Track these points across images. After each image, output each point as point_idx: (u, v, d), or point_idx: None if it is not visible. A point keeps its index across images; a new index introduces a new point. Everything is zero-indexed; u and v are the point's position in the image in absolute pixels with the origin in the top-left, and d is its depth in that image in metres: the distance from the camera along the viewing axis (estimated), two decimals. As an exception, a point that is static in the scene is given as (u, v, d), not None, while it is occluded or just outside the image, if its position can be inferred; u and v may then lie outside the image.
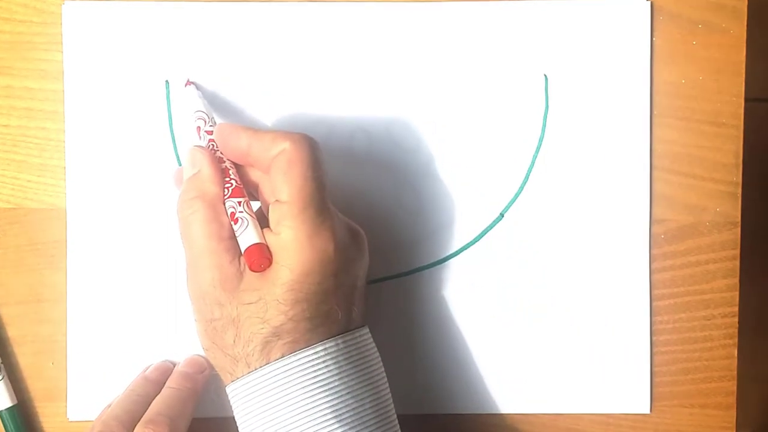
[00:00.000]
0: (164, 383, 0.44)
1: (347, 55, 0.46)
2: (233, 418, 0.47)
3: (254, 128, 0.40)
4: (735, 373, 0.48)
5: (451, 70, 0.46)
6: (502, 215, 0.47)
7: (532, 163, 0.47)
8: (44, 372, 0.47)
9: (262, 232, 0.39)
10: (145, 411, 0.42)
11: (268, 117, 0.46)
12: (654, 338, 0.47)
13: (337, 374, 0.37)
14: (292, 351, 0.37)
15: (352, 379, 0.38)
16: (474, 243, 0.47)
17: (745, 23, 0.47)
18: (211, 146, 0.42)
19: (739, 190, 0.47)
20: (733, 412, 0.48)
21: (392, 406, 0.40)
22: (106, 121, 0.46)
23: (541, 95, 0.47)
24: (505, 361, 0.47)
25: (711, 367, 0.47)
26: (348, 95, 0.47)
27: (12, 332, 0.47)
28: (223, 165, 0.41)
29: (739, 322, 0.47)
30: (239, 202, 0.39)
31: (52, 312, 0.46)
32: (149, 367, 0.46)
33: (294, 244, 0.37)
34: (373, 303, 0.47)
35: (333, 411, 0.37)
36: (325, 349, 0.37)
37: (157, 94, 0.46)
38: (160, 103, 0.46)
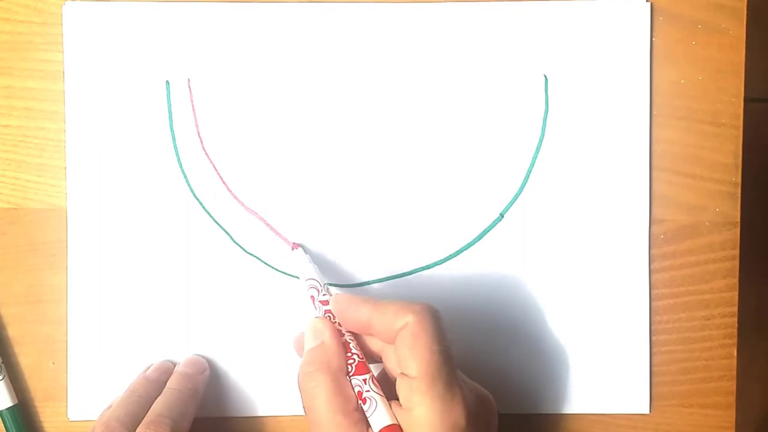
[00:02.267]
0: (165, 383, 0.44)
1: (347, 56, 0.46)
2: (233, 418, 0.47)
3: (373, 299, 0.40)
4: (734, 372, 0.48)
5: (451, 71, 0.47)
6: (502, 215, 0.47)
7: (532, 163, 0.47)
8: (45, 372, 0.47)
9: (391, 407, 0.38)
10: (146, 412, 0.42)
11: (268, 118, 0.46)
12: (653, 338, 0.47)
13: None
14: None
15: None
16: (474, 243, 0.47)
17: (745, 23, 0.47)
18: (327, 317, 0.41)
19: (739, 191, 0.47)
20: (733, 412, 0.48)
21: None
22: (106, 122, 0.46)
23: (541, 96, 0.47)
24: (505, 361, 0.47)
25: (710, 367, 0.47)
26: (348, 95, 0.47)
27: (12, 332, 0.47)
28: (343, 338, 0.40)
29: (738, 322, 0.48)
30: (364, 380, 0.39)
31: (52, 312, 0.47)
32: (149, 367, 0.46)
33: (426, 421, 0.36)
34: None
35: None
36: None
37: (158, 95, 0.46)
38: (160, 103, 0.46)
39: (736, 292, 0.47)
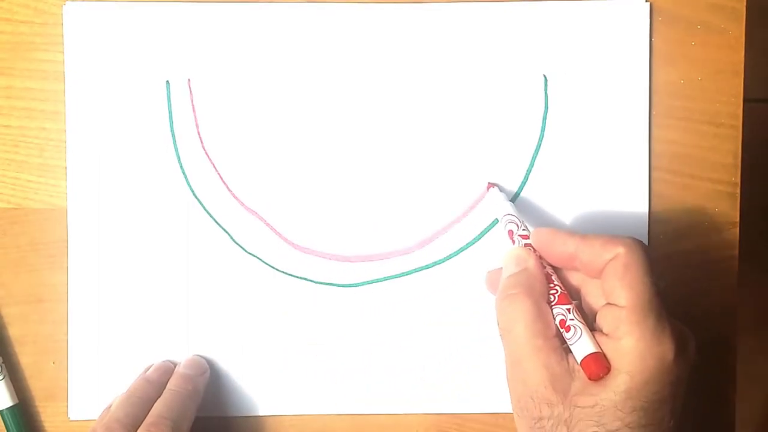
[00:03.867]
0: (165, 384, 0.45)
1: (347, 56, 0.47)
2: (233, 417, 0.47)
3: (578, 233, 0.39)
4: (735, 373, 0.48)
5: (451, 71, 0.47)
6: (501, 215, 0.47)
7: (532, 163, 0.47)
8: (45, 372, 0.47)
9: (595, 338, 0.38)
10: (147, 413, 0.42)
11: (268, 117, 0.46)
12: (653, 338, 0.47)
13: None
14: None
15: None
16: (474, 243, 0.47)
17: (744, 24, 0.47)
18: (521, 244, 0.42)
19: (738, 191, 0.47)
20: (733, 412, 0.48)
21: None
22: (106, 122, 0.46)
23: (541, 96, 0.47)
24: (505, 360, 0.47)
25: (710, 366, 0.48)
26: (348, 95, 0.47)
27: (13, 332, 0.47)
28: (545, 270, 0.40)
29: (737, 322, 0.48)
30: (568, 309, 0.39)
31: (53, 312, 0.47)
32: (150, 367, 0.46)
33: (635, 351, 0.36)
34: (373, 303, 0.47)
35: None
36: None
37: (158, 95, 0.46)
38: (160, 103, 0.46)
39: (736, 294, 0.47)
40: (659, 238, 0.47)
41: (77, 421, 0.47)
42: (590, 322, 0.39)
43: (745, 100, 0.47)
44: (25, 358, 0.47)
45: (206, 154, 0.47)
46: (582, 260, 0.39)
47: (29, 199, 0.47)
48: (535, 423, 0.38)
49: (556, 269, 0.41)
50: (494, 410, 0.47)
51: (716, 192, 0.47)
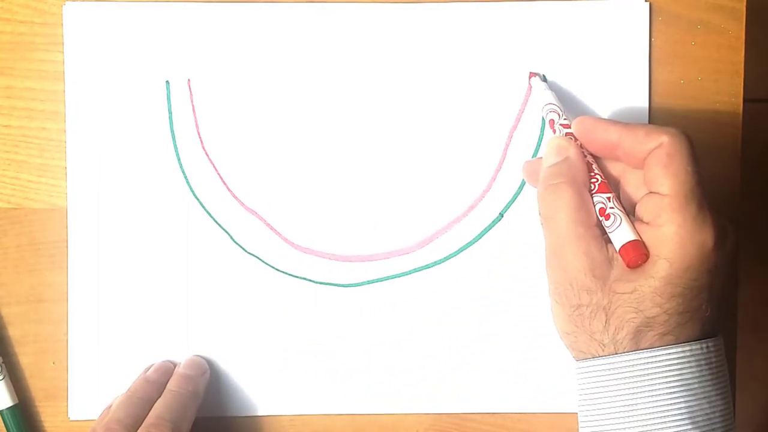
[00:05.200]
0: (165, 384, 0.45)
1: (347, 56, 0.46)
2: (233, 417, 0.47)
3: (621, 122, 0.39)
4: (735, 372, 0.48)
5: (451, 71, 0.47)
6: (501, 215, 0.47)
7: (532, 163, 0.47)
8: (45, 371, 0.47)
9: (634, 226, 0.38)
10: (147, 413, 0.42)
11: (268, 117, 0.46)
12: (653, 338, 0.47)
13: (698, 376, 0.37)
14: (662, 342, 0.37)
15: (708, 384, 0.37)
16: (474, 243, 0.47)
17: (744, 24, 0.47)
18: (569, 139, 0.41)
19: (738, 191, 0.47)
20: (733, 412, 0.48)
21: (734, 416, 0.40)
22: (106, 122, 0.46)
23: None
24: (505, 360, 0.47)
25: (710, 366, 0.47)
26: (348, 95, 0.47)
27: (13, 332, 0.47)
28: (586, 159, 0.40)
29: (737, 321, 0.47)
30: (608, 198, 0.39)
31: (53, 312, 0.47)
32: (150, 367, 0.46)
33: (675, 237, 0.37)
34: (373, 303, 0.47)
35: (689, 411, 0.37)
36: (691, 350, 0.37)
37: (158, 95, 0.46)
38: (160, 103, 0.46)
39: (736, 292, 0.47)
40: (659, 238, 0.47)
41: (77, 421, 0.47)
42: (629, 212, 0.39)
43: (745, 100, 0.47)
44: (25, 358, 0.47)
45: (206, 154, 0.47)
46: (624, 149, 0.39)
47: (29, 199, 0.47)
48: (574, 310, 0.38)
49: (596, 158, 0.41)
50: (494, 410, 0.47)
51: (716, 192, 0.47)
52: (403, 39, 0.46)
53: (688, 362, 0.37)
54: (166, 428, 0.41)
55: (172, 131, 0.46)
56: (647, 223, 0.38)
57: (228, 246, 0.47)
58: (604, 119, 0.40)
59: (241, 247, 0.47)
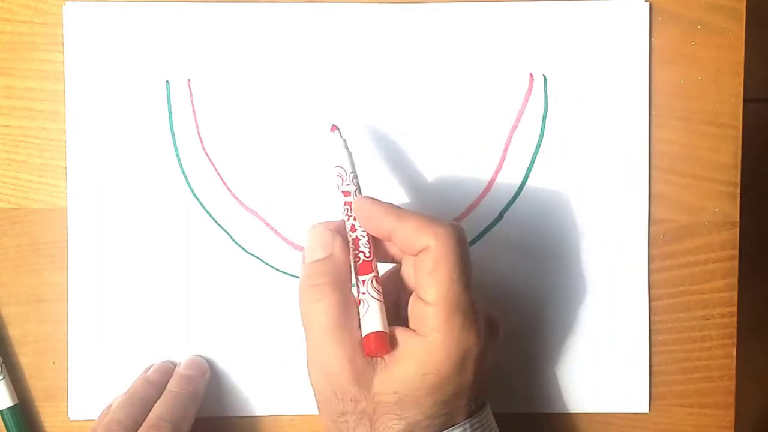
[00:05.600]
0: (165, 385, 0.45)
1: (347, 56, 0.47)
2: (233, 417, 0.47)
3: (397, 210, 0.38)
4: (734, 372, 0.48)
5: (451, 71, 0.47)
6: (501, 215, 0.47)
7: (532, 163, 0.47)
8: (45, 371, 0.47)
9: (385, 314, 0.37)
10: (147, 414, 0.42)
11: (268, 117, 0.47)
12: (653, 338, 0.47)
13: None
14: None
15: None
16: (474, 243, 0.47)
17: (744, 24, 0.47)
18: (346, 210, 0.39)
19: (738, 191, 0.47)
20: (732, 412, 0.48)
21: None
22: (106, 122, 0.46)
23: (541, 96, 0.47)
24: (504, 360, 0.47)
25: (710, 366, 0.48)
26: (348, 95, 0.47)
27: (13, 332, 0.47)
28: (354, 234, 0.39)
29: (737, 322, 0.48)
30: (363, 281, 0.37)
31: (53, 312, 0.47)
32: (150, 367, 0.46)
33: (441, 348, 0.36)
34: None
35: None
36: None
37: (158, 95, 0.46)
38: (160, 103, 0.46)
39: (735, 292, 0.47)
40: (659, 238, 0.47)
41: (77, 421, 0.47)
42: (407, 296, 0.38)
43: (745, 100, 0.47)
44: (25, 358, 0.47)
45: (206, 154, 0.47)
46: (397, 242, 0.38)
47: (29, 199, 0.47)
48: (338, 417, 0.37)
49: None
50: (493, 410, 0.47)
51: (716, 192, 0.47)
52: (403, 39, 0.46)
53: None
54: (166, 429, 0.41)
55: (172, 131, 0.46)
56: (414, 330, 0.37)
57: (228, 246, 0.47)
58: (383, 204, 0.38)
59: (241, 247, 0.47)
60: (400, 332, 0.37)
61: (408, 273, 0.39)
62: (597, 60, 0.47)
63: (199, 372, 0.46)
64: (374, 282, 0.38)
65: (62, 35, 0.46)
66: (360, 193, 0.40)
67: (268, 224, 0.47)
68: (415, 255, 0.37)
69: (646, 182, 0.47)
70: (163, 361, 0.46)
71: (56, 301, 0.47)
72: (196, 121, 0.47)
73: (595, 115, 0.47)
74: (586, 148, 0.47)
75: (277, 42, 0.46)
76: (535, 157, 0.47)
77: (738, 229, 0.47)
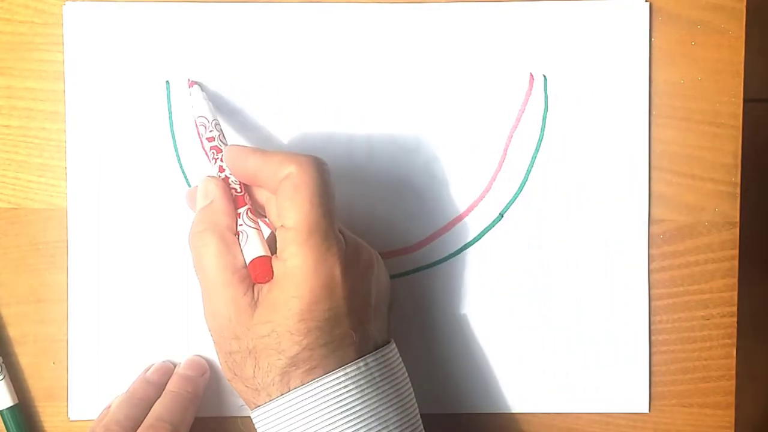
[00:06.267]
0: (165, 385, 0.44)
1: (348, 56, 0.47)
2: (233, 417, 0.47)
3: (263, 150, 0.39)
4: (734, 372, 0.48)
5: (451, 71, 0.47)
6: (501, 215, 0.47)
7: (532, 163, 0.47)
8: (45, 372, 0.47)
9: (265, 242, 0.39)
10: (146, 414, 0.42)
11: (268, 118, 0.47)
12: (653, 338, 0.47)
13: (359, 398, 0.37)
14: (310, 378, 0.37)
15: (375, 402, 0.37)
16: (474, 243, 0.47)
17: (744, 24, 0.47)
18: (212, 154, 0.42)
19: (738, 191, 0.47)
20: (732, 412, 0.48)
21: (420, 422, 0.40)
22: (106, 122, 0.46)
23: (541, 96, 0.47)
24: (504, 360, 0.47)
25: (709, 366, 0.48)
26: (348, 96, 0.47)
27: (13, 332, 0.47)
28: (223, 175, 0.41)
29: (737, 322, 0.48)
30: (238, 214, 0.40)
31: (53, 312, 0.47)
32: (150, 367, 0.46)
33: (300, 271, 0.36)
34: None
35: None
36: (345, 373, 0.37)
37: (158, 95, 0.46)
38: (160, 103, 0.46)
39: (735, 292, 0.47)
40: (659, 238, 0.47)
41: (77, 421, 0.47)
42: (272, 241, 0.39)
43: (745, 100, 0.47)
44: (25, 358, 0.47)
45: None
46: (261, 179, 0.39)
47: (29, 199, 0.47)
48: (228, 357, 0.38)
49: (247, 187, 0.41)
50: (493, 410, 0.47)
51: (716, 192, 0.47)
52: (403, 39, 0.46)
53: (345, 386, 0.37)
54: (165, 429, 0.41)
55: (172, 131, 0.46)
56: (276, 257, 0.38)
57: (228, 246, 0.47)
58: (248, 148, 0.40)
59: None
60: (272, 262, 0.38)
61: (272, 219, 0.40)
62: (597, 60, 0.47)
63: (199, 372, 0.46)
64: (249, 213, 0.40)
65: (62, 35, 0.46)
66: (224, 138, 0.42)
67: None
68: (278, 186, 0.38)
69: (646, 182, 0.47)
70: (163, 362, 0.46)
71: (56, 301, 0.47)
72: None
73: (595, 115, 0.47)
74: (586, 148, 0.47)
75: (277, 42, 0.46)
76: (535, 157, 0.47)
77: (738, 229, 0.47)
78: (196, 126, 0.43)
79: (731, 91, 0.47)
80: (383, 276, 0.41)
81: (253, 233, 0.39)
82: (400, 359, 0.40)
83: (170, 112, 0.46)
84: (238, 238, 0.39)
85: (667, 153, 0.47)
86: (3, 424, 0.46)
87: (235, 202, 0.40)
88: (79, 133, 0.46)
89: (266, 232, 0.41)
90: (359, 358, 0.37)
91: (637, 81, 0.47)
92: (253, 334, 0.37)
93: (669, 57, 0.47)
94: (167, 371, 0.46)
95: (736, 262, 0.47)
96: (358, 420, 0.36)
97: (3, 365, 0.46)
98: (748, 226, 0.50)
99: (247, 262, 0.38)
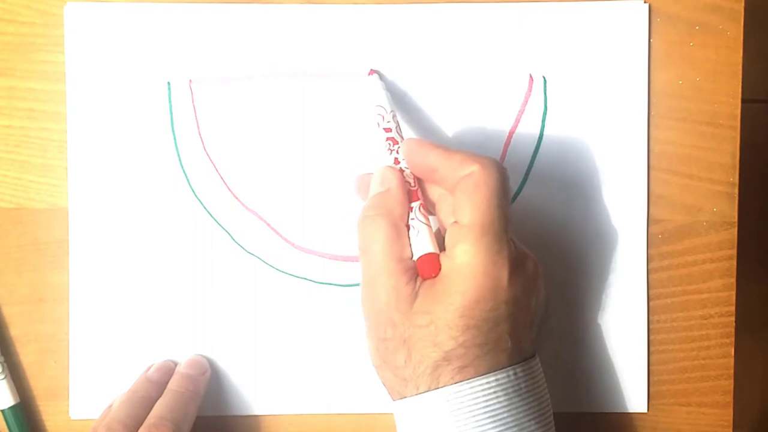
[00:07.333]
0: (166, 384, 0.45)
1: (348, 57, 0.47)
2: (233, 416, 0.47)
3: (445, 146, 0.40)
4: (732, 371, 0.48)
5: (451, 72, 0.47)
6: (501, 215, 0.47)
7: (531, 162, 0.47)
8: (46, 371, 0.47)
9: (435, 239, 0.39)
10: (148, 413, 0.42)
11: (269, 118, 0.47)
12: (651, 337, 0.47)
13: (506, 405, 0.37)
14: (462, 376, 0.36)
15: (520, 412, 0.37)
16: (473, 243, 0.47)
17: (742, 24, 0.47)
18: (387, 145, 0.41)
19: (736, 191, 0.47)
20: (730, 411, 0.48)
21: None
22: (108, 122, 0.46)
23: (541, 96, 0.47)
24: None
25: (708, 366, 0.48)
26: (348, 96, 0.47)
27: (14, 331, 0.47)
28: (398, 167, 0.41)
29: (735, 321, 0.48)
30: (411, 208, 0.40)
31: (54, 311, 0.47)
32: (151, 367, 0.46)
33: (468, 269, 0.36)
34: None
35: None
36: (497, 379, 0.37)
37: (159, 95, 0.46)
38: (161, 104, 0.46)
39: (734, 292, 0.48)
40: (658, 238, 0.47)
41: (78, 420, 0.47)
42: (441, 238, 0.39)
43: (743, 101, 0.47)
44: (27, 357, 0.47)
45: (207, 154, 0.47)
46: (440, 174, 0.39)
47: (31, 199, 0.47)
48: (380, 343, 0.38)
49: (419, 181, 0.41)
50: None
51: (715, 192, 0.47)
52: (403, 40, 0.47)
53: (495, 392, 0.36)
54: (167, 428, 0.41)
55: (173, 132, 0.47)
56: (445, 253, 0.38)
57: (228, 246, 0.47)
58: (428, 143, 0.40)
59: (241, 246, 0.47)
60: (441, 257, 0.38)
61: (443, 218, 0.40)
62: (596, 61, 0.47)
63: (200, 371, 0.46)
64: (421, 208, 0.40)
65: (63, 36, 0.46)
66: (400, 129, 0.42)
67: (268, 224, 0.47)
68: (457, 185, 0.38)
69: (645, 182, 0.47)
70: (164, 361, 0.46)
71: (57, 301, 0.47)
72: (197, 122, 0.47)
73: (594, 115, 0.47)
74: (585, 149, 0.47)
75: (278, 43, 0.46)
76: (535, 157, 0.47)
77: (736, 229, 0.47)
78: (373, 116, 0.43)
79: (729, 92, 0.47)
80: (543, 290, 0.41)
81: (424, 229, 0.39)
82: (543, 375, 0.40)
83: (171, 113, 0.47)
84: (410, 231, 0.39)
85: (665, 153, 0.47)
86: (4, 424, 0.46)
87: (408, 196, 0.40)
88: (80, 134, 0.46)
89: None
90: (509, 365, 0.37)
91: (636, 82, 0.47)
92: (411, 323, 0.37)
93: (667, 58, 0.47)
94: (168, 370, 0.46)
95: (734, 262, 0.47)
96: (505, 428, 0.36)
97: (4, 364, 0.46)
98: (746, 226, 0.51)
99: (416, 257, 0.38)
